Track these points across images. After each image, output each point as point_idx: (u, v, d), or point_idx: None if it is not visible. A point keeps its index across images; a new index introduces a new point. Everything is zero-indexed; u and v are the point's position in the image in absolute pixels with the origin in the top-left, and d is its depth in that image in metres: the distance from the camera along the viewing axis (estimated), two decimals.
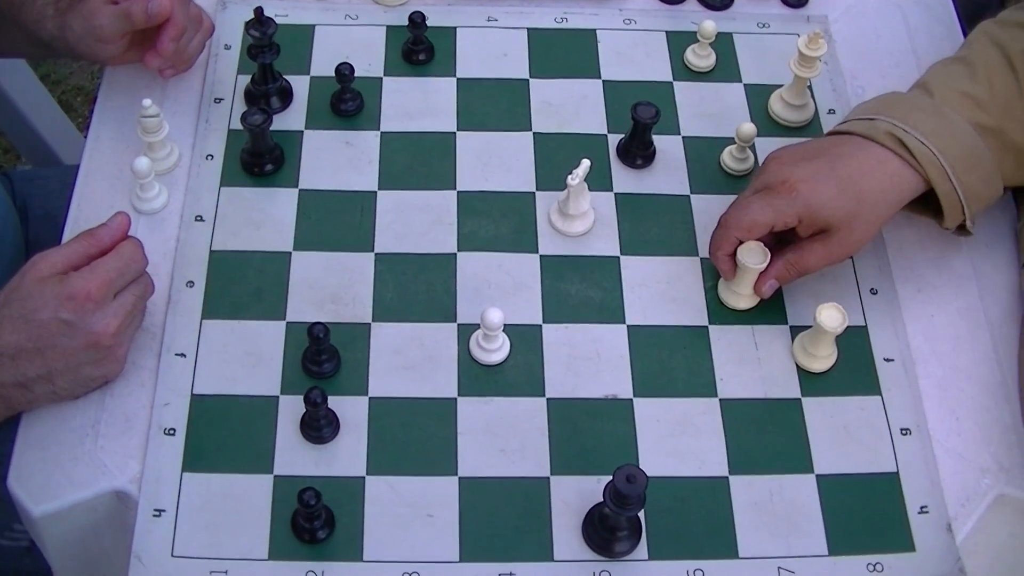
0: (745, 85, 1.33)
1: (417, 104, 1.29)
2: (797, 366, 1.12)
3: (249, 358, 1.10)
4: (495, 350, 1.10)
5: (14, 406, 1.04)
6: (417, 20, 1.30)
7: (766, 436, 1.08)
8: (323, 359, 1.09)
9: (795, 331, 1.14)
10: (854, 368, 1.12)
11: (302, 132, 1.26)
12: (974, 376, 1.13)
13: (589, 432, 1.07)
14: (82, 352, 1.02)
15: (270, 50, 1.25)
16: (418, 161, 1.24)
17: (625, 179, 1.24)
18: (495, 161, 1.25)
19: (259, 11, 1.23)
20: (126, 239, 1.06)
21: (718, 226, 1.13)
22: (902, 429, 1.09)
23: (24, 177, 1.52)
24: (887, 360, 1.13)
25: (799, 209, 1.08)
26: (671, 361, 1.12)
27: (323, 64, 1.31)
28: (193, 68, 1.29)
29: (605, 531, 1.01)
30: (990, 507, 1.06)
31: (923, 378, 1.12)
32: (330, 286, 1.15)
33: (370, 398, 1.08)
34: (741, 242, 1.11)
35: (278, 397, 1.08)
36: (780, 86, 1.31)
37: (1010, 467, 1.08)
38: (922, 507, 1.05)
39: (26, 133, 1.72)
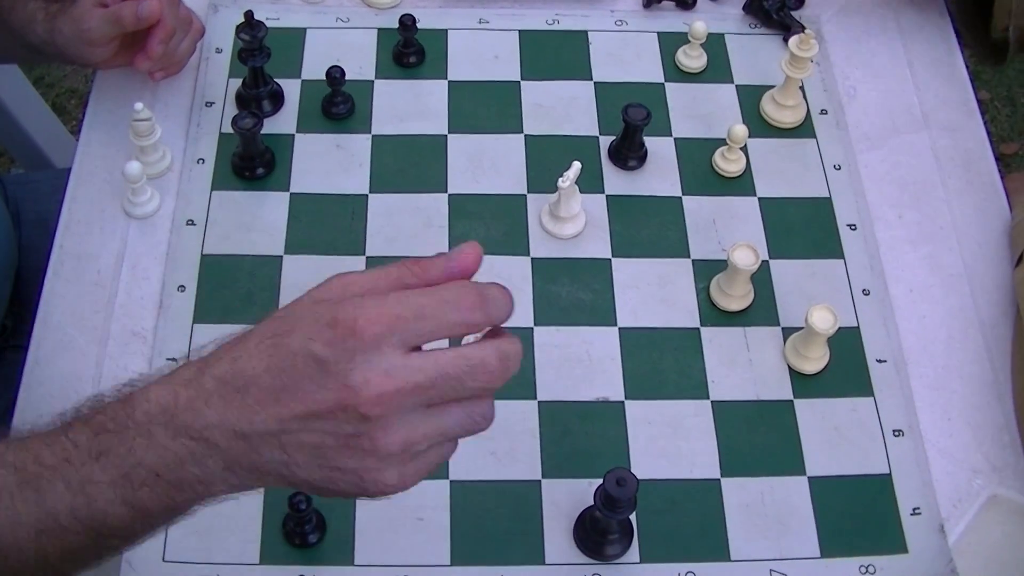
0: (737, 86, 1.33)
1: (408, 107, 1.29)
2: (789, 367, 1.12)
3: None
4: None
5: (229, 465, 0.75)
6: (408, 23, 1.30)
7: (758, 438, 1.08)
8: None
9: (787, 332, 1.13)
10: (846, 369, 1.12)
11: (293, 135, 1.26)
12: (966, 376, 1.13)
13: (580, 435, 1.07)
14: (337, 419, 0.71)
15: (261, 53, 1.24)
16: (409, 164, 1.24)
17: (617, 181, 1.24)
18: (486, 163, 1.24)
19: (249, 15, 1.23)
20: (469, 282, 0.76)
21: None
22: (894, 430, 1.08)
23: (16, 181, 1.52)
24: (879, 361, 1.13)
25: None
26: (662, 363, 1.12)
27: (314, 67, 1.31)
28: (184, 72, 1.29)
29: (596, 534, 1.00)
30: (983, 508, 1.06)
31: (915, 379, 1.12)
32: None
33: None
34: None
35: None
36: (772, 87, 1.30)
37: (1003, 467, 1.08)
38: (914, 508, 1.05)
39: (18, 136, 1.72)
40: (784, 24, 1.37)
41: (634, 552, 1.01)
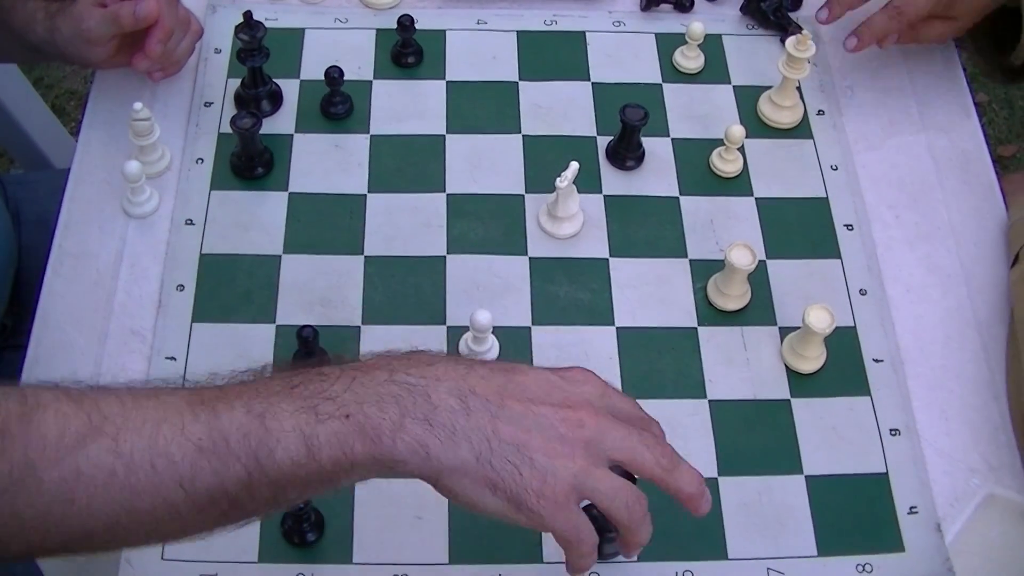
0: (734, 87, 1.33)
1: (406, 107, 1.29)
2: (786, 367, 1.12)
3: (239, 361, 1.08)
4: (484, 352, 1.10)
5: (375, 469, 0.78)
6: (406, 23, 1.30)
7: (755, 437, 1.08)
8: (313, 361, 1.09)
9: (784, 332, 1.14)
10: (843, 369, 1.12)
11: (292, 135, 1.26)
12: (963, 376, 1.13)
13: None
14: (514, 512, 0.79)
15: (259, 54, 1.25)
16: (407, 164, 1.24)
17: (614, 181, 1.24)
18: (485, 163, 1.25)
19: (248, 15, 1.24)
20: None
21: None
22: (891, 429, 1.09)
23: (16, 181, 1.52)
24: (876, 361, 1.13)
25: None
26: (660, 362, 1.12)
27: (313, 67, 1.31)
28: (183, 72, 1.29)
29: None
30: (979, 507, 1.06)
31: (912, 378, 1.13)
32: (319, 289, 1.15)
33: None
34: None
35: None
36: (769, 87, 1.31)
37: (999, 467, 1.08)
38: (911, 507, 1.05)
39: (17, 137, 1.72)
40: (781, 25, 1.37)
41: None
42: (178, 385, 0.79)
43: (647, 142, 1.26)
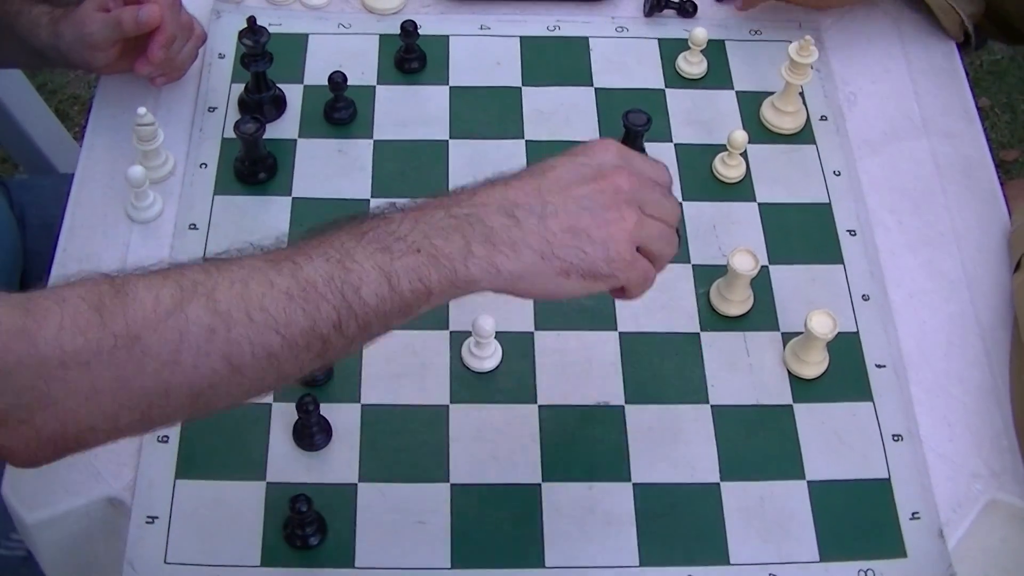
0: (737, 92, 1.33)
1: (410, 112, 1.30)
2: (789, 372, 1.12)
3: None
4: (487, 357, 1.10)
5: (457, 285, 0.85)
6: (409, 29, 1.30)
7: (757, 442, 1.08)
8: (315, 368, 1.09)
9: (787, 337, 1.14)
10: (846, 374, 1.12)
11: (295, 140, 1.27)
12: (966, 381, 1.14)
13: (581, 439, 1.07)
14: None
15: (263, 59, 1.25)
16: (410, 169, 1.25)
17: None
18: (487, 169, 1.21)
19: (252, 20, 1.24)
20: None
21: None
22: (894, 435, 1.09)
23: (21, 186, 1.52)
24: (879, 366, 1.13)
25: None
26: (662, 368, 1.12)
27: (316, 73, 1.32)
28: (187, 77, 1.30)
29: None
30: (982, 512, 1.06)
31: (914, 384, 1.13)
32: None
33: (362, 405, 1.08)
34: None
35: (271, 404, 1.08)
36: (772, 93, 1.31)
37: (1001, 472, 1.08)
38: (914, 513, 1.05)
39: (22, 142, 1.73)
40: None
41: (634, 556, 1.01)
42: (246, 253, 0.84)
43: (650, 147, 1.26)
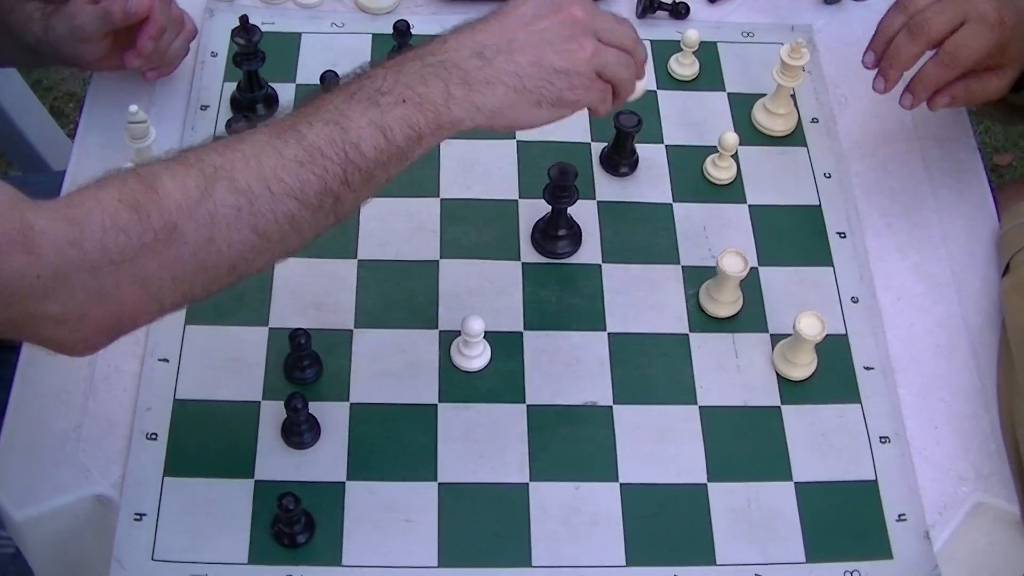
0: (729, 94, 1.34)
1: None
2: (777, 374, 1.12)
3: (232, 364, 1.11)
4: (476, 356, 1.11)
5: (473, 85, 0.91)
6: (402, 28, 1.30)
7: (745, 443, 1.08)
8: (305, 365, 1.09)
9: (775, 339, 1.14)
10: (834, 376, 1.13)
11: None
12: (953, 384, 1.14)
13: (568, 439, 1.08)
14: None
15: (255, 57, 1.25)
16: None
17: (608, 187, 1.25)
18: (478, 169, 1.25)
19: (244, 19, 1.24)
20: None
21: (940, 65, 1.11)
22: (881, 437, 1.09)
23: (13, 183, 1.52)
24: (867, 368, 1.13)
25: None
26: (651, 368, 1.12)
27: (309, 72, 1.32)
28: (179, 75, 1.30)
29: (549, 236, 1.17)
30: (968, 515, 1.07)
31: (902, 386, 1.13)
32: (313, 292, 1.15)
33: (351, 404, 1.09)
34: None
35: (260, 403, 1.08)
36: (764, 95, 1.31)
37: (988, 475, 1.08)
38: (900, 515, 1.05)
39: (15, 140, 1.73)
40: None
41: (620, 555, 1.02)
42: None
43: (641, 149, 1.26)
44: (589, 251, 1.20)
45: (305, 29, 1.37)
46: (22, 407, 1.08)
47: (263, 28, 1.26)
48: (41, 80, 2.60)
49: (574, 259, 1.19)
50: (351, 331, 1.13)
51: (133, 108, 1.18)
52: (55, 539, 1.06)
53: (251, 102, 1.28)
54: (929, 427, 1.11)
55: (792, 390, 1.12)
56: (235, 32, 1.25)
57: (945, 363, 1.15)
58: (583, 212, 1.21)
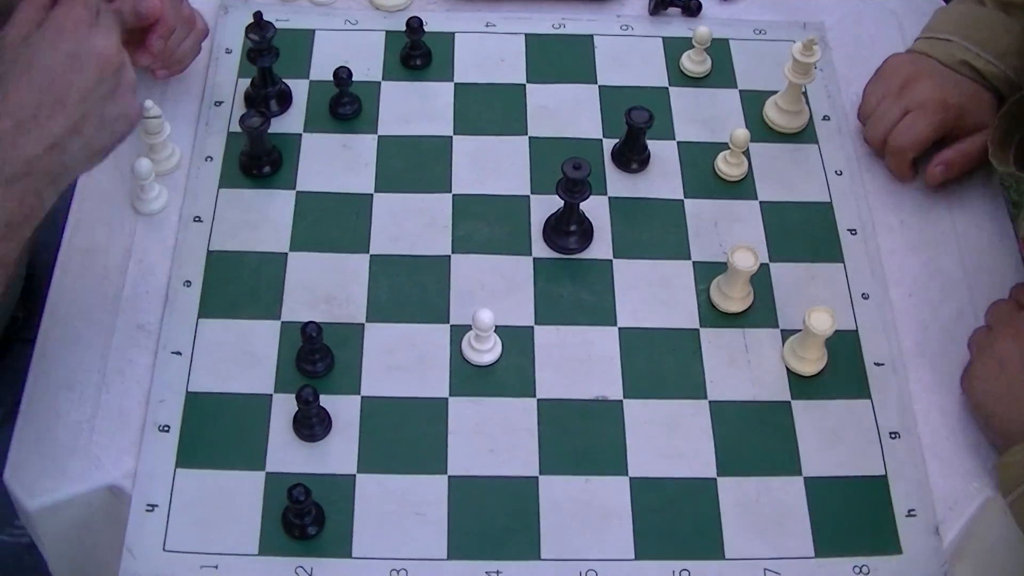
0: (740, 91, 1.34)
1: (414, 108, 1.31)
2: (787, 369, 1.12)
3: (244, 357, 1.11)
4: (487, 351, 1.11)
5: (57, 180, 0.97)
6: (415, 25, 1.31)
7: (755, 438, 1.09)
8: (316, 358, 1.10)
9: (786, 335, 1.14)
10: (844, 372, 1.13)
11: (300, 135, 1.28)
12: None
13: (578, 433, 1.08)
14: (96, 85, 0.96)
15: (269, 53, 1.26)
16: (414, 164, 1.26)
17: (619, 183, 1.25)
18: (491, 165, 1.26)
19: (258, 15, 1.25)
20: None
21: (890, 154, 1.26)
22: (891, 432, 1.09)
23: None
24: (877, 364, 1.13)
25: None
26: (661, 363, 1.13)
27: (322, 68, 1.33)
28: (193, 71, 1.30)
29: (560, 231, 1.18)
30: (978, 511, 1.07)
31: (913, 382, 1.13)
32: (325, 286, 1.16)
33: (362, 397, 1.09)
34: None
35: (271, 395, 1.09)
36: (775, 92, 1.31)
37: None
38: (910, 510, 1.05)
39: None
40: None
41: (629, 549, 1.02)
42: None
43: (653, 145, 1.27)
44: (600, 247, 1.20)
45: (318, 26, 1.38)
46: (36, 399, 1.08)
47: (277, 25, 1.27)
48: None
49: (585, 255, 1.19)
50: (363, 325, 1.14)
51: (148, 103, 1.19)
52: (68, 529, 1.07)
53: (264, 98, 1.29)
54: (940, 423, 1.11)
55: (802, 385, 1.12)
56: (249, 28, 1.25)
57: (956, 360, 1.14)
58: (594, 208, 1.22)
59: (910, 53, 1.30)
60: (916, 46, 1.30)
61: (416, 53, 1.34)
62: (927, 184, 1.25)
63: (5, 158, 0.92)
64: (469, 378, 1.11)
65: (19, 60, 0.94)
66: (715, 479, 1.06)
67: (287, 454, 1.06)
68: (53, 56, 0.94)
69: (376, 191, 1.23)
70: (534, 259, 1.19)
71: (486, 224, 1.21)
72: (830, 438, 1.09)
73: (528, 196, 1.23)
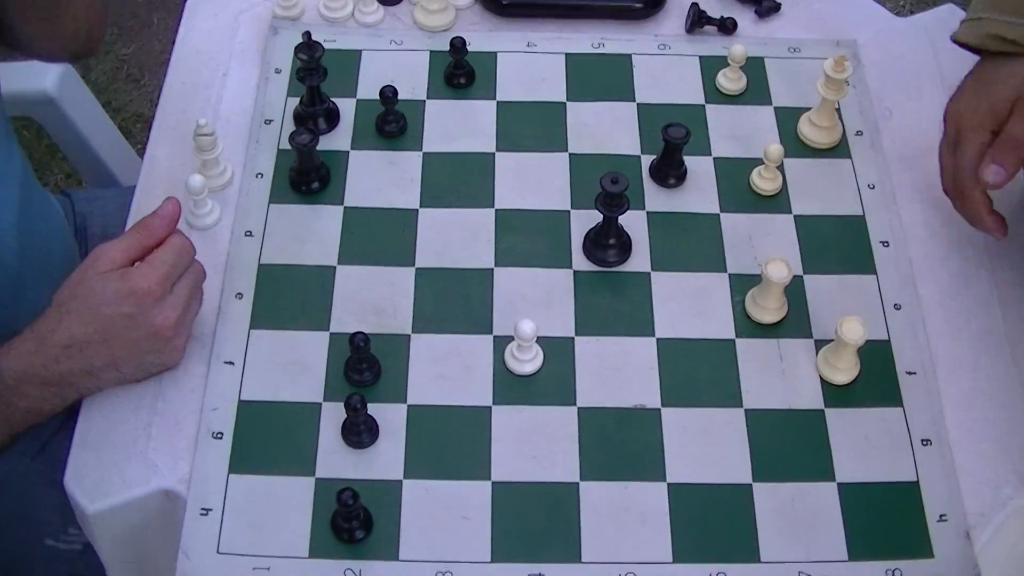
0: (775, 108, 1.37)
1: (458, 126, 1.34)
2: (821, 378, 1.15)
3: (294, 367, 1.15)
4: (528, 360, 1.14)
5: (82, 391, 1.11)
6: (458, 45, 1.35)
7: (789, 445, 1.11)
8: (364, 368, 1.13)
9: (819, 344, 1.17)
10: (876, 380, 1.15)
11: (348, 152, 1.32)
12: (994, 390, 1.16)
13: (617, 440, 1.11)
14: (144, 342, 1.09)
15: (317, 73, 1.30)
16: (458, 180, 1.29)
17: (657, 198, 1.28)
18: (532, 180, 1.29)
19: (307, 35, 1.29)
20: (175, 234, 1.12)
21: (961, 197, 1.18)
22: (923, 440, 1.12)
23: (84, 198, 1.58)
24: (909, 373, 1.16)
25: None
26: (698, 372, 1.15)
27: (369, 87, 1.36)
28: (244, 91, 1.36)
29: (600, 245, 1.21)
30: (1009, 517, 1.09)
31: (944, 391, 1.15)
32: (372, 298, 1.20)
33: (408, 405, 1.13)
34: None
35: (320, 404, 1.12)
36: (809, 108, 1.34)
37: None
38: (941, 515, 1.07)
39: (88, 157, 1.77)
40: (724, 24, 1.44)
41: (667, 552, 1.05)
42: None
43: (689, 161, 1.30)
44: (638, 260, 1.23)
45: (365, 46, 1.42)
46: (95, 407, 1.13)
47: (325, 45, 1.31)
48: (110, 101, 2.67)
49: (624, 267, 1.23)
50: (409, 336, 1.17)
51: (201, 121, 1.22)
52: (125, 532, 1.11)
53: (313, 116, 1.33)
54: (970, 431, 1.13)
55: (835, 394, 1.14)
56: (298, 48, 1.29)
57: (986, 371, 1.17)
58: (633, 222, 1.25)
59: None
60: (954, 35, 1.23)
61: (460, 72, 1.37)
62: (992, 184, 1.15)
63: (47, 367, 1.08)
64: (512, 387, 1.14)
65: (90, 297, 1.07)
66: (750, 484, 1.09)
67: (336, 460, 1.09)
68: (115, 310, 1.07)
69: (421, 206, 1.27)
70: (574, 272, 1.22)
71: (528, 238, 1.24)
72: (863, 445, 1.11)
73: (568, 211, 1.27)
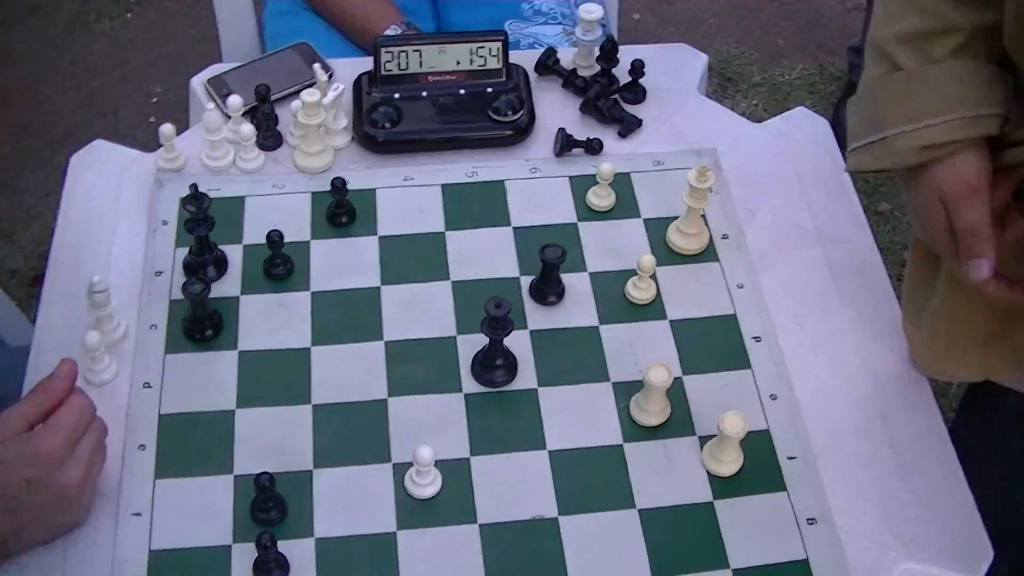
0: (644, 220, 1.43)
1: (343, 263, 1.38)
2: (707, 472, 1.20)
3: (202, 512, 1.17)
4: (428, 484, 1.18)
5: None
6: (339, 185, 1.40)
7: (684, 539, 1.16)
8: (270, 506, 1.16)
9: (703, 440, 1.22)
10: (760, 468, 1.21)
11: (238, 297, 1.35)
12: (872, 462, 1.23)
13: (520, 552, 1.15)
14: (49, 505, 1.09)
15: (205, 223, 1.33)
16: (347, 316, 1.33)
17: (539, 316, 1.34)
18: (418, 310, 1.34)
19: (194, 187, 1.32)
20: (74, 393, 1.13)
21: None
22: (808, 519, 1.17)
23: None
24: (790, 458, 1.22)
25: None
26: (591, 479, 1.20)
27: (254, 232, 1.40)
28: (133, 245, 1.38)
29: (487, 366, 1.24)
30: None
31: (824, 470, 1.21)
32: (273, 438, 1.22)
33: (316, 539, 1.15)
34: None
35: (231, 546, 1.14)
36: (676, 217, 1.41)
37: (911, 542, 1.17)
38: None
39: None
40: (616, 118, 1.51)
41: None
42: None
43: (566, 278, 1.35)
44: (525, 377, 1.28)
45: (249, 192, 1.45)
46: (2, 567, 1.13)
47: (209, 194, 1.34)
48: None
49: (512, 386, 1.27)
50: (311, 471, 1.20)
51: (96, 279, 1.24)
52: None
53: (203, 265, 1.36)
54: (853, 503, 1.19)
55: (722, 485, 1.20)
56: (185, 200, 1.33)
57: (862, 443, 1.24)
58: (517, 341, 1.30)
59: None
60: (855, 165, 1.20)
61: (341, 211, 1.42)
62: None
63: None
64: (414, 511, 1.17)
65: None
66: None
67: None
68: (17, 474, 1.07)
69: (313, 344, 1.31)
70: (465, 395, 1.26)
71: (418, 366, 1.29)
72: (753, 531, 1.16)
73: (455, 336, 1.31)
